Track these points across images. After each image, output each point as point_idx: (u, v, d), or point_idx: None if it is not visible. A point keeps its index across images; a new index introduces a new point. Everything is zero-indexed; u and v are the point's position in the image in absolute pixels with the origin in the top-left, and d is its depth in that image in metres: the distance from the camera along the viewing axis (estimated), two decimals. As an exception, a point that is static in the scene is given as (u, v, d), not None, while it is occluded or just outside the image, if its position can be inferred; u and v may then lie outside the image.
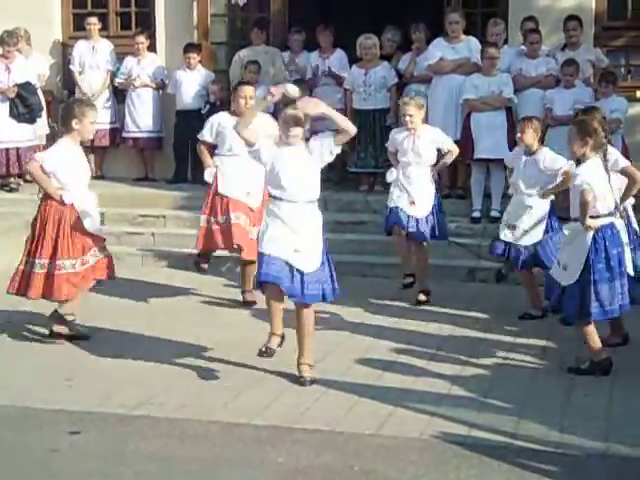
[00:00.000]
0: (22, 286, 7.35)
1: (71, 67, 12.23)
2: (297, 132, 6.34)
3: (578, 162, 6.78)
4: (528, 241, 7.93)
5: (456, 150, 8.70)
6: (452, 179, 10.81)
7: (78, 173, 7.41)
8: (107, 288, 8.13)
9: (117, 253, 9.72)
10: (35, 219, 7.40)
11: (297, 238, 6.28)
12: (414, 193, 8.41)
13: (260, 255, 6.34)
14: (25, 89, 11.27)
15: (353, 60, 11.31)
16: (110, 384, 6.42)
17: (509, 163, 8.42)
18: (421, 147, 8.42)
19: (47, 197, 7.35)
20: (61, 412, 5.93)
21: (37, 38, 12.21)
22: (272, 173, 6.37)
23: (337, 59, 11.46)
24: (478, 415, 5.85)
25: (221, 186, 8.33)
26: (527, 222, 7.95)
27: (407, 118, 8.40)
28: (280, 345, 6.55)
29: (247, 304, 8.45)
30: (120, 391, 6.28)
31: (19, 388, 6.35)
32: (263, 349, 6.48)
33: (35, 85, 11.51)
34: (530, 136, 7.96)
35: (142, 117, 11.99)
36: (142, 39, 11.96)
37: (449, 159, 8.69)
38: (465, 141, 10.26)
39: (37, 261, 7.28)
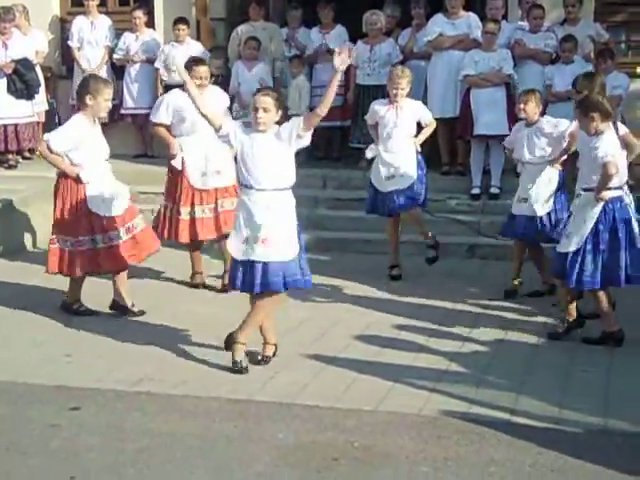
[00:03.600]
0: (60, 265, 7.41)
1: (70, 43, 12.17)
2: (265, 118, 6.12)
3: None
4: (541, 211, 7.81)
5: (434, 124, 8.66)
6: (451, 156, 10.79)
7: (93, 152, 7.33)
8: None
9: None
10: (54, 196, 7.42)
11: (263, 229, 6.08)
12: (397, 165, 8.37)
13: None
14: (22, 65, 11.21)
15: (354, 36, 11.27)
16: (110, 360, 6.43)
17: (509, 144, 8.27)
18: (403, 119, 8.39)
19: (63, 173, 7.34)
20: (61, 388, 5.94)
21: (35, 14, 12.13)
22: (241, 160, 6.20)
23: (337, 35, 11.42)
24: (477, 391, 5.87)
25: (192, 178, 8.09)
26: (538, 191, 7.81)
27: (398, 91, 8.34)
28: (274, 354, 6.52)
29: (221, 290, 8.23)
30: (120, 367, 6.29)
31: (19, 364, 6.36)
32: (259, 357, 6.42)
33: (33, 61, 11.46)
34: (532, 108, 7.85)
35: (140, 93, 11.93)
36: (140, 15, 11.89)
37: (428, 131, 8.61)
38: (464, 117, 10.25)
39: (60, 237, 7.35)
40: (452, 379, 6.09)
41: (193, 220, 8.11)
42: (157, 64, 11.75)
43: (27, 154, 11.82)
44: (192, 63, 8.01)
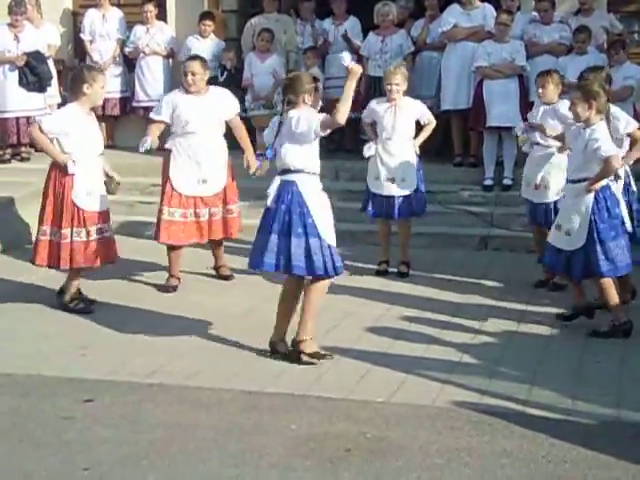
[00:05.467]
0: (45, 256, 7.32)
1: (82, 36, 12.21)
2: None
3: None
4: (550, 197, 7.75)
5: (434, 122, 8.49)
6: (464, 147, 10.77)
7: (84, 143, 7.19)
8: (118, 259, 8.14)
9: (129, 223, 9.82)
10: (44, 186, 7.32)
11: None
12: (396, 169, 8.22)
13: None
14: (34, 58, 11.23)
15: (366, 28, 11.27)
16: (123, 353, 6.45)
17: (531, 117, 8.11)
18: (402, 120, 8.21)
19: (53, 163, 7.23)
20: (75, 380, 5.96)
21: (47, 7, 12.18)
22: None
23: (350, 26, 11.42)
24: (490, 382, 5.86)
25: (176, 181, 7.90)
26: (548, 177, 7.76)
27: (393, 87, 8.15)
28: None
29: (225, 279, 8.32)
30: (133, 360, 6.31)
31: (33, 357, 6.38)
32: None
33: (45, 54, 11.48)
34: (552, 90, 7.72)
35: (152, 86, 11.96)
36: (150, 7, 11.92)
37: (427, 131, 8.42)
38: (477, 109, 10.22)
39: (43, 229, 7.27)
40: (465, 370, 6.08)
41: (209, 222, 8.00)
42: (182, 57, 11.75)
43: (40, 146, 11.85)
44: (187, 59, 8.20)
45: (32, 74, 11.23)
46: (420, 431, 5.18)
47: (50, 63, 11.58)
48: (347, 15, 11.51)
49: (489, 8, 10.56)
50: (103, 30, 12.08)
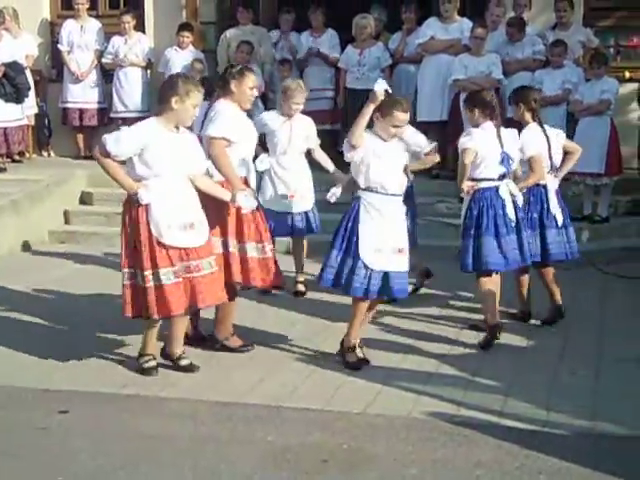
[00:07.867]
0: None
1: (59, 46, 12.18)
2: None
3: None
4: None
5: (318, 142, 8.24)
6: (442, 159, 10.78)
7: (165, 164, 5.95)
8: (92, 268, 8.12)
9: (106, 234, 9.81)
10: (121, 220, 6.21)
11: (399, 238, 6.34)
12: (292, 183, 8.02)
13: (359, 260, 6.20)
14: (12, 68, 11.21)
15: (345, 40, 11.31)
16: (99, 364, 6.43)
17: None
18: (298, 134, 7.99)
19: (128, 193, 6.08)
20: (50, 391, 5.94)
21: (25, 17, 12.17)
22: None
23: (328, 39, 11.44)
24: (466, 394, 5.88)
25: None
26: None
27: (296, 106, 7.95)
28: None
29: (237, 350, 6.73)
30: (109, 371, 6.29)
31: (6, 368, 6.36)
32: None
33: (22, 65, 11.45)
34: None
35: (130, 97, 11.94)
36: (128, 19, 11.92)
37: (317, 149, 8.19)
38: (455, 123, 10.25)
39: (124, 272, 6.10)
40: (441, 382, 6.09)
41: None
42: (160, 69, 11.76)
43: (17, 157, 11.83)
44: (244, 70, 6.73)
45: (10, 85, 11.21)
46: (396, 442, 5.19)
47: (27, 73, 11.56)
48: (325, 28, 11.54)
49: (467, 22, 10.62)
50: (81, 41, 12.07)
